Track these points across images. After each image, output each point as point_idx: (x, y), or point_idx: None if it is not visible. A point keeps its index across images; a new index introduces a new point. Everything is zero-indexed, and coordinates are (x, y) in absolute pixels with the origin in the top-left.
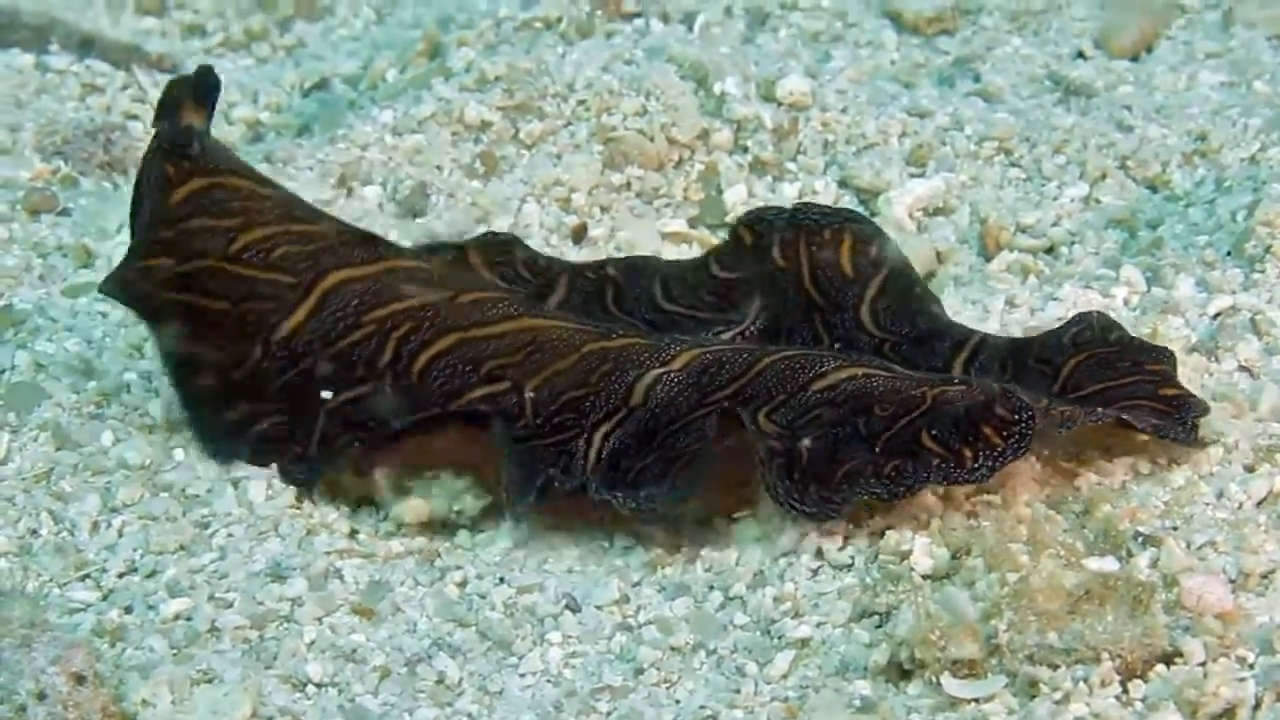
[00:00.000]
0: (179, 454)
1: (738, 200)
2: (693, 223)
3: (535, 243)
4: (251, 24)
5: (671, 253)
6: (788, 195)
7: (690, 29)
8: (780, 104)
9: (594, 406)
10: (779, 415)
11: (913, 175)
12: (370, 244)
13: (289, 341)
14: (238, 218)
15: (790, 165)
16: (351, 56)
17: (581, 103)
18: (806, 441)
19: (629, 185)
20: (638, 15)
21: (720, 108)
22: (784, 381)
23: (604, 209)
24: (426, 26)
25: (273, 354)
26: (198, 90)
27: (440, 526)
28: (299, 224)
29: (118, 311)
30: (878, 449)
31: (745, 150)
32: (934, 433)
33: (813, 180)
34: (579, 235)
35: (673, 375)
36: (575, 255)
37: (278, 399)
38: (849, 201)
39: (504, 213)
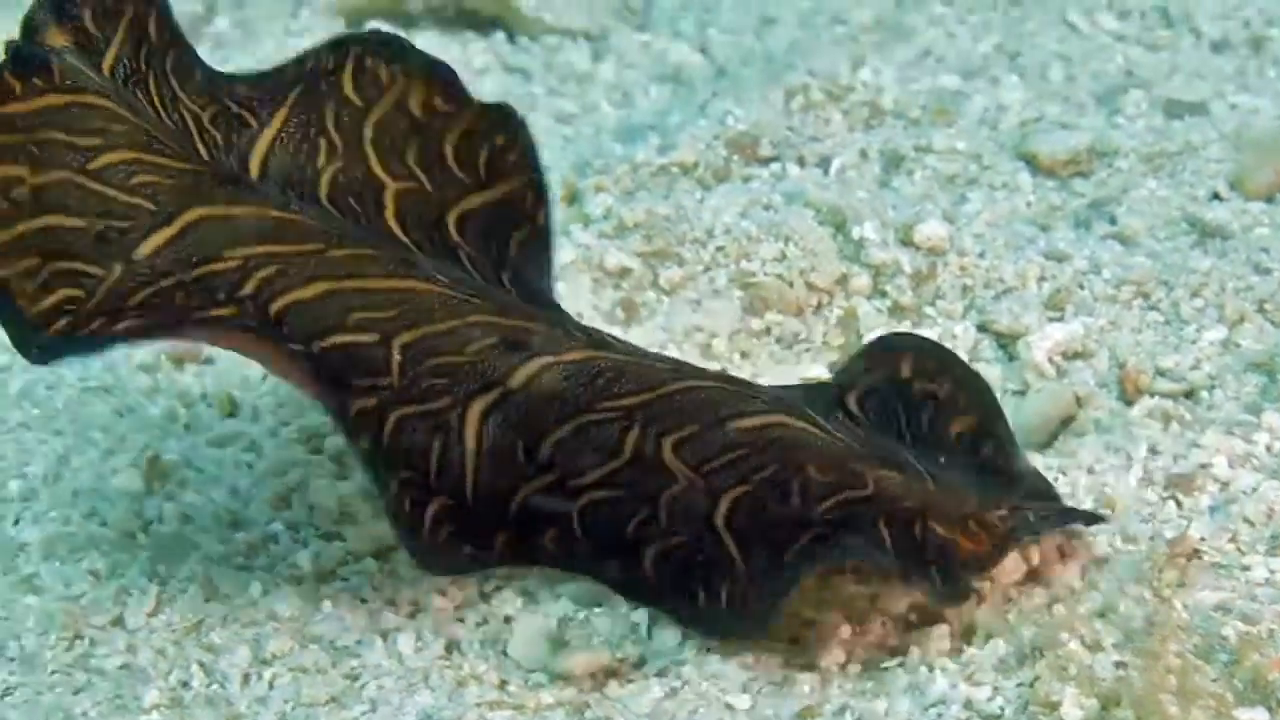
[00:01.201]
0: (328, 605)
1: None
2: (832, 368)
3: None
4: None
5: None
6: None
7: (826, 173)
8: (918, 248)
9: (469, 376)
10: (687, 450)
11: (1051, 319)
12: (236, 184)
13: (151, 260)
14: (96, 138)
15: (929, 310)
16: None
17: (720, 248)
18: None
19: (769, 331)
20: (774, 160)
21: (859, 253)
22: (700, 411)
23: (744, 354)
24: (562, 171)
25: (134, 271)
26: (60, 12)
27: (592, 677)
28: (162, 156)
29: (264, 462)
30: (818, 515)
31: (884, 295)
32: (889, 529)
33: (952, 325)
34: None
35: (562, 366)
36: None
37: (134, 312)
38: (987, 346)
39: None
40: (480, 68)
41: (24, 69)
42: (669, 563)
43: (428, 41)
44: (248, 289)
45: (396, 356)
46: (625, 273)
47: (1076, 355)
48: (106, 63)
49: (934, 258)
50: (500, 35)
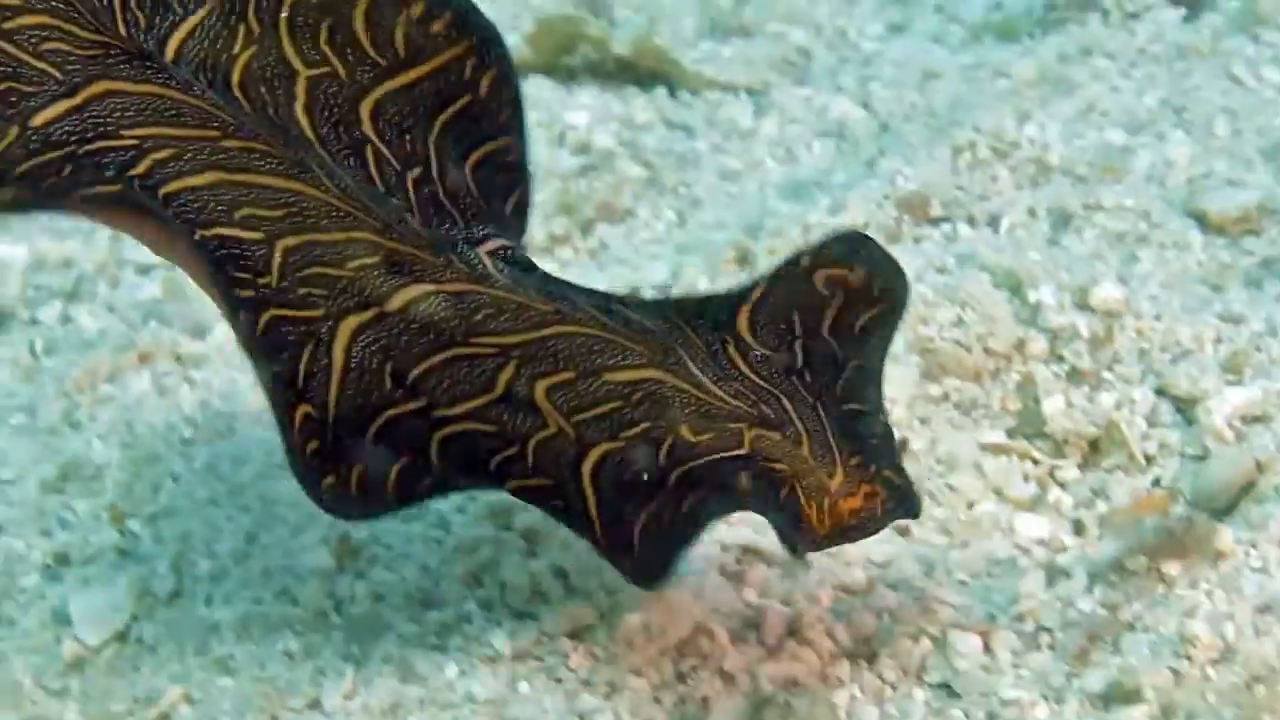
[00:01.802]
0: (524, 687)
1: (1056, 410)
2: (1011, 434)
3: None
4: (554, 228)
5: (991, 466)
6: (1105, 405)
7: (996, 232)
8: (1094, 311)
9: (346, 292)
10: (560, 395)
11: (1230, 383)
12: (144, 61)
13: (45, 129)
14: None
15: (1107, 374)
16: (656, 260)
17: None
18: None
19: (947, 397)
20: (944, 219)
21: (1035, 317)
22: (576, 357)
23: (923, 421)
24: (729, 229)
25: (27, 138)
26: None
27: None
28: (77, 26)
29: (452, 539)
30: (677, 481)
31: (1061, 359)
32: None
33: (1130, 389)
34: (900, 449)
35: (444, 297)
36: None
37: (21, 180)
38: (1166, 410)
39: None
40: (642, 123)
41: None
42: (528, 497)
43: (589, 96)
44: (139, 169)
45: (278, 258)
46: None
47: (1256, 419)
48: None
49: (1110, 321)
50: (662, 90)
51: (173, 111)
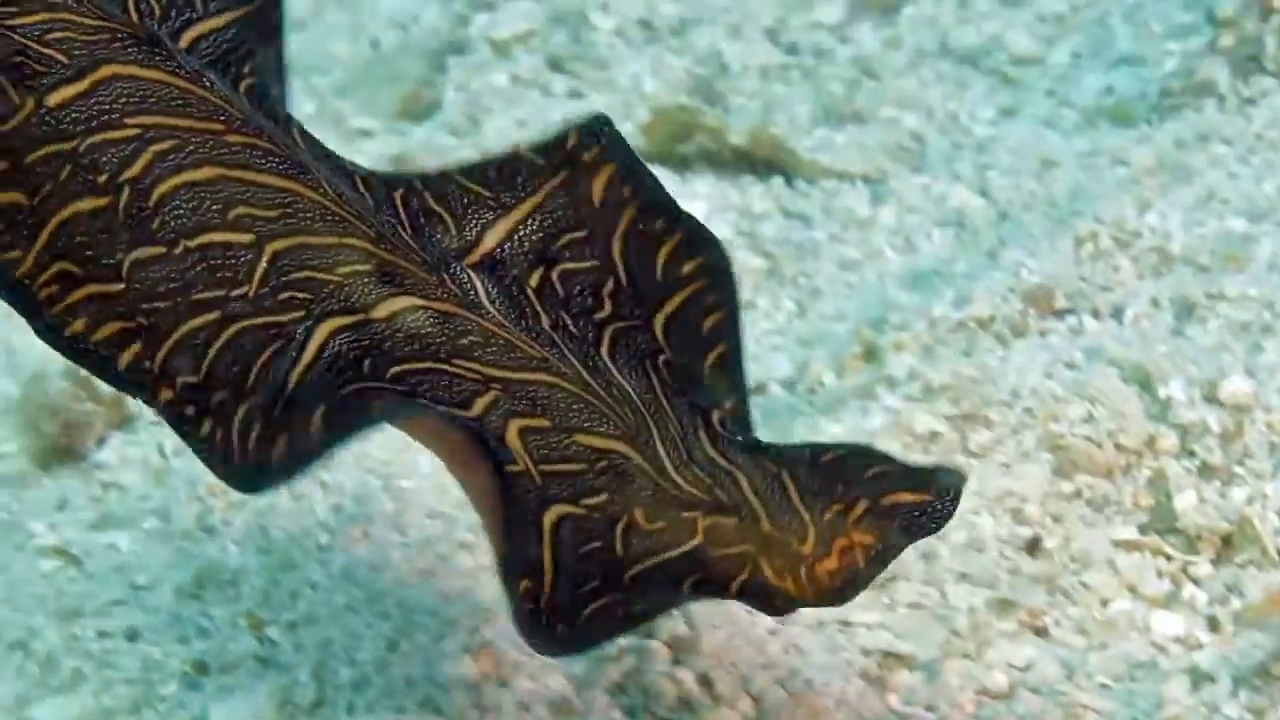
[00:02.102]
0: None
1: (1188, 506)
2: (1144, 530)
3: (990, 556)
4: None
5: (1125, 562)
6: (1237, 500)
7: (1120, 323)
8: (1224, 405)
9: (331, 297)
10: (532, 439)
11: None
12: (153, 48)
13: (58, 111)
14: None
15: (1238, 469)
16: (778, 352)
17: (1028, 410)
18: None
19: (1079, 494)
20: (1069, 312)
21: (1165, 412)
22: (553, 410)
23: (1055, 519)
24: (850, 320)
25: (42, 117)
26: None
27: None
28: (81, 15)
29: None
30: (630, 578)
31: (1192, 455)
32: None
33: (1261, 484)
34: (1033, 547)
35: (432, 314)
36: (1030, 566)
37: (31, 171)
38: None
39: (959, 527)
40: (760, 212)
41: None
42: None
43: (705, 185)
44: (135, 168)
45: (264, 264)
46: (935, 437)
47: None
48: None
49: (1239, 415)
50: (778, 179)
51: (179, 101)
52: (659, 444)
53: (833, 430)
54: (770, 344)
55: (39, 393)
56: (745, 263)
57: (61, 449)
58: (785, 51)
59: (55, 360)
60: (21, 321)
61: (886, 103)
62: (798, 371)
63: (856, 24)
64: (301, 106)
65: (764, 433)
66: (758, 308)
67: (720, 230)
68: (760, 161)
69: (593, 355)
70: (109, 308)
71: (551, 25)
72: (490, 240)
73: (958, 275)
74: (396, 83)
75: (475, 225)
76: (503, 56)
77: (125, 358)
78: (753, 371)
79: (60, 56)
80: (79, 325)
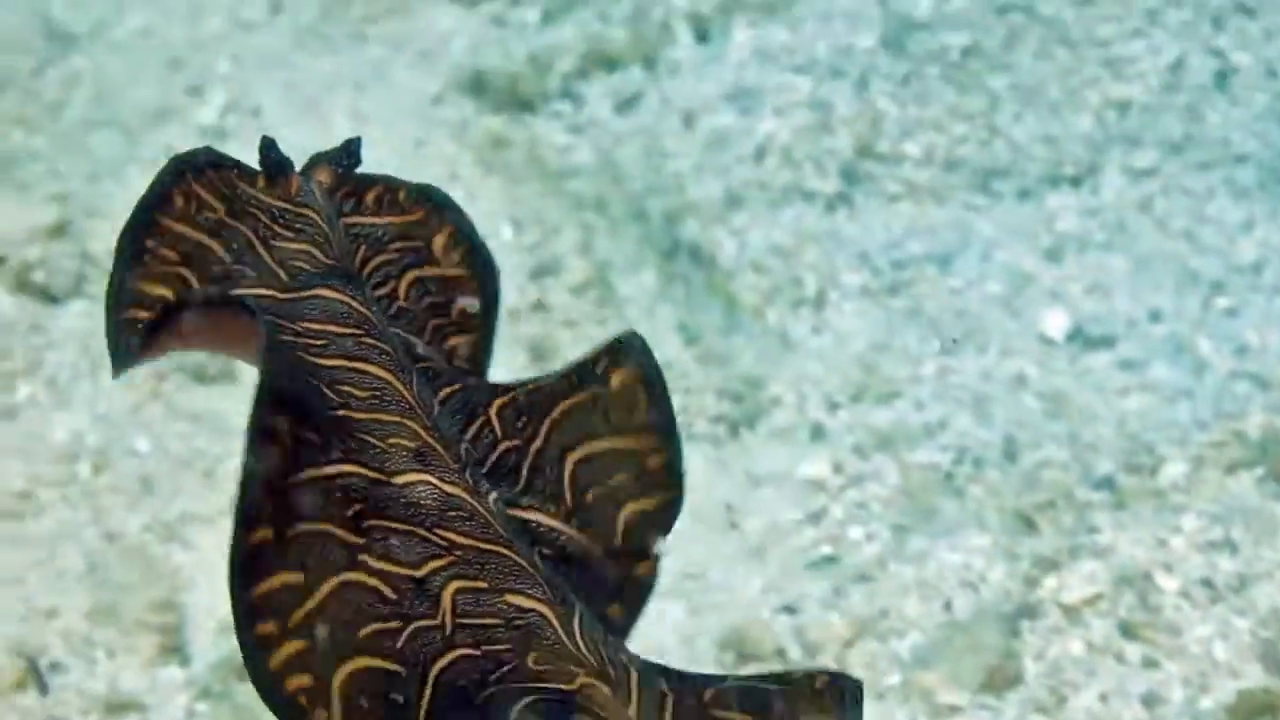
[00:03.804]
0: None
1: None
2: None
3: None
4: None
5: None
6: None
7: None
8: None
9: (369, 453)
10: (463, 599)
11: None
12: (347, 280)
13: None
14: (290, 230)
15: None
16: None
17: None
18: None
19: None
20: None
21: None
22: (496, 575)
23: None
24: None
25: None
26: (335, 161)
27: None
28: (321, 253)
29: None
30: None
31: None
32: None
33: None
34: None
35: (438, 492)
36: None
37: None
38: None
39: None
40: None
41: (269, 169)
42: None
43: None
44: (284, 337)
45: (338, 424)
46: None
47: None
48: (355, 220)
49: None
50: None
51: (344, 312)
52: (576, 620)
53: None
54: None
55: None
56: None
57: None
58: None
59: None
60: None
61: None
62: None
63: None
64: (885, 678)
65: None
66: None
67: None
68: None
69: (559, 575)
70: None
71: (1118, 586)
72: (531, 516)
73: None
74: (977, 653)
75: (531, 500)
76: (1075, 622)
77: None
78: None
79: (283, 274)
80: None
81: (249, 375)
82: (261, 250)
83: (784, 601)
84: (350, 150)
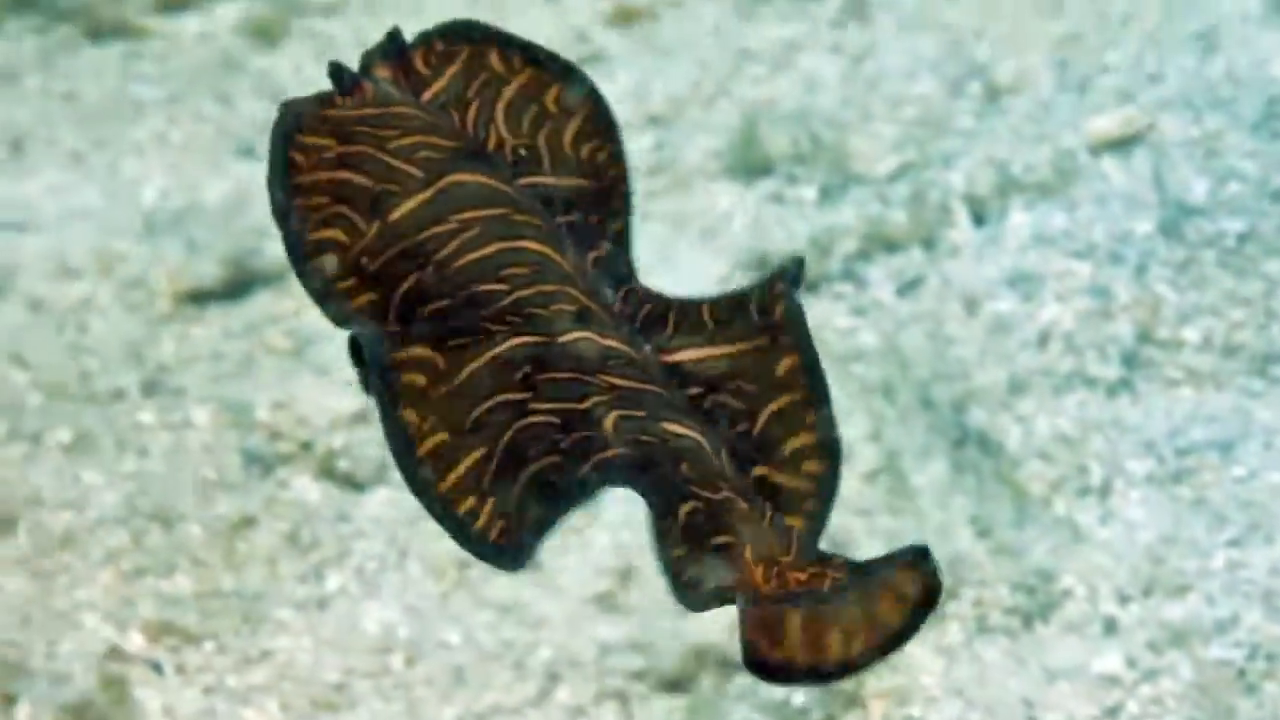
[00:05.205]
0: None
1: None
2: None
3: None
4: None
5: None
6: None
7: None
8: None
9: (534, 321)
10: (627, 425)
11: None
12: (477, 157)
13: (398, 223)
14: (395, 129)
15: None
16: None
17: None
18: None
19: None
20: None
21: None
22: (652, 407)
23: None
24: None
25: (381, 233)
26: (387, 54)
27: None
28: (442, 138)
29: None
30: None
31: None
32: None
33: None
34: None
35: (599, 346)
36: None
37: (373, 280)
38: None
39: None
40: None
41: (341, 88)
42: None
43: None
44: (448, 249)
45: (505, 303)
46: None
47: None
48: (429, 94)
49: None
50: None
51: (487, 194)
52: (724, 453)
53: None
54: None
55: None
56: None
57: None
58: None
59: None
60: None
61: None
62: None
63: None
64: None
65: None
66: None
67: None
68: None
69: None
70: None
71: None
72: (681, 355)
73: None
74: None
75: (681, 339)
76: None
77: None
78: None
79: (417, 172)
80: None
81: (551, 566)
82: (384, 157)
83: None
84: (395, 38)
